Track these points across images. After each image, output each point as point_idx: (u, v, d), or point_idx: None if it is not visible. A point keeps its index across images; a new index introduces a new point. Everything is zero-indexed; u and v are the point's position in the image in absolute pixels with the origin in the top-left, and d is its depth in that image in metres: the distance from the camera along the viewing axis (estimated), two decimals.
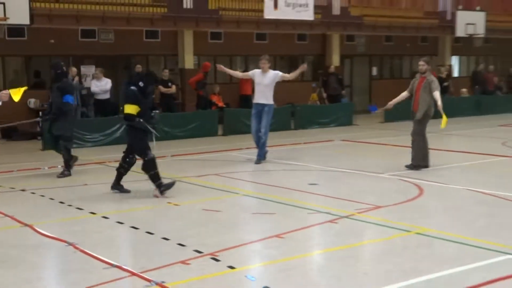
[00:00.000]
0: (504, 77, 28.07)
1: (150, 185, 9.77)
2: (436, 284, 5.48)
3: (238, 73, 15.18)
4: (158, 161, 13.15)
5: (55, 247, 6.87)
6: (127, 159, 9.57)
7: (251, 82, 18.90)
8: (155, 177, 9.37)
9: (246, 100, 19.92)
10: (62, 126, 11.18)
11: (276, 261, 6.36)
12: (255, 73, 13.32)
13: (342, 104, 22.21)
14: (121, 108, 9.53)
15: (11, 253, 6.69)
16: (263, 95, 12.88)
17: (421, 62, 12.05)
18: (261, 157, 12.82)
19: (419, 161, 11.64)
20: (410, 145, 11.72)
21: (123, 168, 9.63)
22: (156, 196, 9.38)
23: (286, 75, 13.63)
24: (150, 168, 9.35)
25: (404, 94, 12.26)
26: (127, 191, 9.68)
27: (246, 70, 19.96)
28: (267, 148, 13.13)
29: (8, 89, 7.67)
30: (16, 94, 7.58)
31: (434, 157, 12.11)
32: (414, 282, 5.53)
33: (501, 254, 6.32)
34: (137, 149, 9.52)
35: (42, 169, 12.23)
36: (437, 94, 11.46)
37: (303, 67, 13.78)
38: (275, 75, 12.99)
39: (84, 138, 15.93)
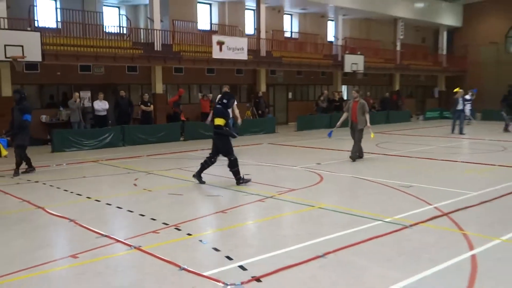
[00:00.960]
0: (378, 99, 28.91)
1: (132, 177, 9.54)
2: (334, 241, 5.58)
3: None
4: (136, 160, 12.99)
5: (60, 223, 6.67)
6: (212, 160, 9.26)
7: (209, 102, 19.00)
8: (236, 172, 9.13)
9: (205, 116, 19.73)
10: (22, 138, 10.63)
11: (221, 229, 6.36)
12: (219, 98, 13.18)
13: (268, 118, 22.37)
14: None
15: (27, 227, 6.51)
16: None
17: (354, 91, 12.46)
18: None
19: (356, 154, 12.03)
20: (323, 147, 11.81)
21: (207, 164, 9.28)
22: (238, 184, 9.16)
23: (236, 109, 13.34)
24: (234, 165, 9.12)
25: (345, 115, 12.40)
26: (203, 182, 9.25)
27: (205, 94, 20.59)
28: None
29: None
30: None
31: (333, 154, 12.32)
32: (318, 240, 5.65)
33: (375, 220, 6.50)
34: (224, 150, 9.16)
35: (51, 166, 11.82)
36: (368, 116, 11.94)
37: (240, 122, 13.46)
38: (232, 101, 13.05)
39: (82, 143, 15.54)
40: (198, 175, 9.33)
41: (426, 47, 35.00)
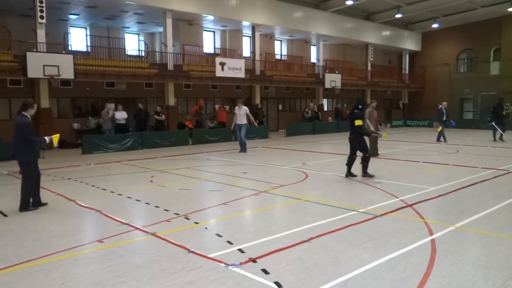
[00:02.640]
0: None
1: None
2: (317, 228, 5.53)
3: (235, 115, 14.52)
4: (152, 161, 12.88)
5: (88, 213, 6.60)
6: (354, 157, 9.21)
7: (225, 113, 19.07)
8: (365, 167, 9.14)
9: (221, 125, 19.70)
10: None
11: (223, 218, 6.29)
12: (236, 109, 14.45)
13: (263, 125, 22.31)
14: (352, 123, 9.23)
15: (61, 216, 6.43)
16: (240, 119, 14.21)
17: (375, 104, 12.61)
18: (243, 150, 14.35)
19: (374, 152, 12.39)
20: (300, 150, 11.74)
21: (350, 163, 9.23)
22: (363, 176, 9.19)
23: (250, 115, 14.77)
24: (365, 160, 9.13)
25: (368, 121, 11.94)
26: (355, 176, 9.20)
27: (222, 106, 20.73)
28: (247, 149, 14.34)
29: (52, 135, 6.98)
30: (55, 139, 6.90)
31: (316, 156, 12.25)
32: (304, 228, 5.59)
33: (351, 211, 6.46)
34: (361, 148, 9.13)
35: (81, 166, 11.72)
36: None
37: (254, 124, 15.62)
38: (245, 109, 14.32)
39: (107, 147, 15.46)
40: (349, 174, 9.25)
41: (392, 67, 35.13)
